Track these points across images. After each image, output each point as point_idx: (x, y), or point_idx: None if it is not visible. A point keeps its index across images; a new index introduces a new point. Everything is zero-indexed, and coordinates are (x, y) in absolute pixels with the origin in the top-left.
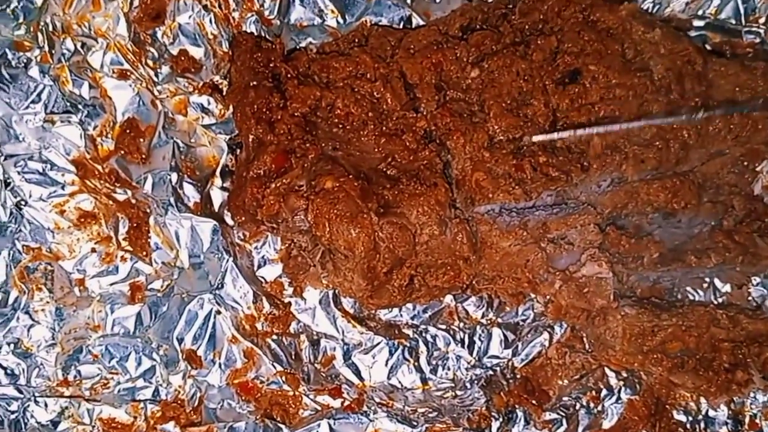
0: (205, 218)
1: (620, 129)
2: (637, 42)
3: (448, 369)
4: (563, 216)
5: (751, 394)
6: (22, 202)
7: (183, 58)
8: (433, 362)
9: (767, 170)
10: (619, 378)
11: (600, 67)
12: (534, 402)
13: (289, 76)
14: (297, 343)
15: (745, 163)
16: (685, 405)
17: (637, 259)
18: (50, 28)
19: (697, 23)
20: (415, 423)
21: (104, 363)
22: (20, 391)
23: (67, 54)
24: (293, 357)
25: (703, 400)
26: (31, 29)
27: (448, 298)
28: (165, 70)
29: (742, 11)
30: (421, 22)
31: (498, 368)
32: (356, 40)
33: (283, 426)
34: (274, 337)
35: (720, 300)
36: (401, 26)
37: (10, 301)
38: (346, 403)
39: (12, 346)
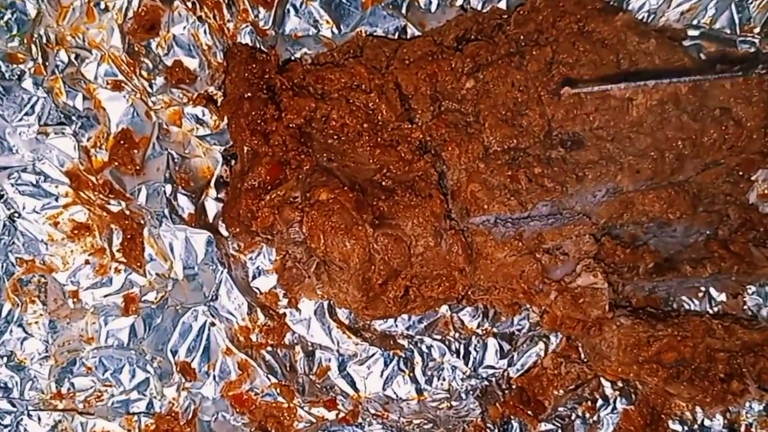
0: (199, 230)
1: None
2: (632, 52)
3: (444, 379)
4: (558, 226)
5: (747, 403)
6: (16, 215)
7: (177, 69)
8: (429, 373)
9: (762, 179)
10: (615, 388)
11: (595, 78)
12: (529, 413)
13: (284, 87)
14: (292, 354)
15: (740, 173)
16: (680, 415)
17: (633, 269)
18: (44, 40)
19: (692, 33)
20: None
21: (98, 375)
22: (13, 405)
23: (61, 65)
24: (288, 368)
25: (698, 409)
26: (25, 41)
27: (444, 308)
28: (159, 81)
29: (737, 21)
30: (417, 33)
31: (493, 378)
32: (351, 51)
33: None
34: (269, 348)
35: (715, 309)
36: (396, 36)
37: (3, 314)
38: (341, 414)
39: (5, 359)
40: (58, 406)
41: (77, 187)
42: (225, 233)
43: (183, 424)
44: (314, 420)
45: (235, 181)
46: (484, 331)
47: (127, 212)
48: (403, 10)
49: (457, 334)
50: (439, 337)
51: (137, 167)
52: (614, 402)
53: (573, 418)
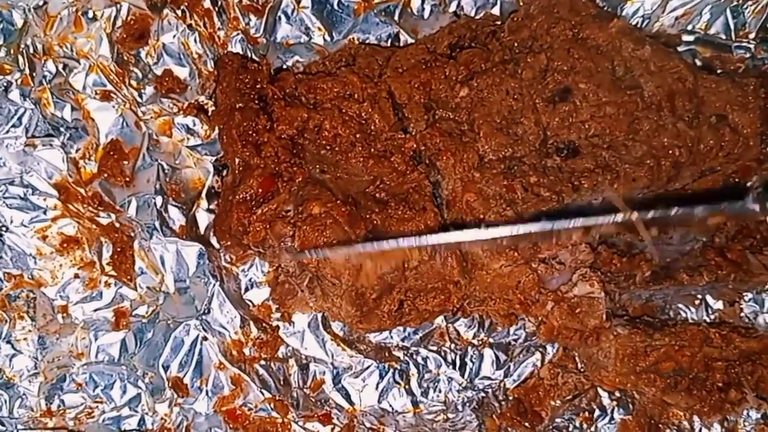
0: (190, 242)
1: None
2: (627, 59)
3: (440, 391)
4: None
5: (745, 412)
6: (3, 228)
7: (167, 79)
8: (424, 385)
9: (758, 186)
10: (612, 398)
11: (590, 85)
12: (527, 424)
13: (275, 97)
14: (285, 367)
15: (737, 180)
16: (678, 424)
17: (629, 278)
18: (31, 50)
19: (686, 38)
20: None
21: (88, 392)
22: (2, 424)
23: (49, 76)
24: (282, 383)
25: (696, 418)
26: (12, 51)
27: (439, 319)
28: (149, 90)
29: (732, 26)
30: (410, 40)
31: (490, 390)
32: (343, 60)
33: None
34: (262, 362)
35: (712, 317)
36: (389, 43)
37: None
38: (336, 429)
39: None
40: (48, 424)
41: (66, 200)
42: (217, 245)
43: None
44: None
45: (226, 193)
46: (480, 342)
47: (117, 225)
48: (396, 17)
49: (452, 345)
50: (434, 348)
51: (127, 179)
52: (612, 412)
53: (570, 428)
